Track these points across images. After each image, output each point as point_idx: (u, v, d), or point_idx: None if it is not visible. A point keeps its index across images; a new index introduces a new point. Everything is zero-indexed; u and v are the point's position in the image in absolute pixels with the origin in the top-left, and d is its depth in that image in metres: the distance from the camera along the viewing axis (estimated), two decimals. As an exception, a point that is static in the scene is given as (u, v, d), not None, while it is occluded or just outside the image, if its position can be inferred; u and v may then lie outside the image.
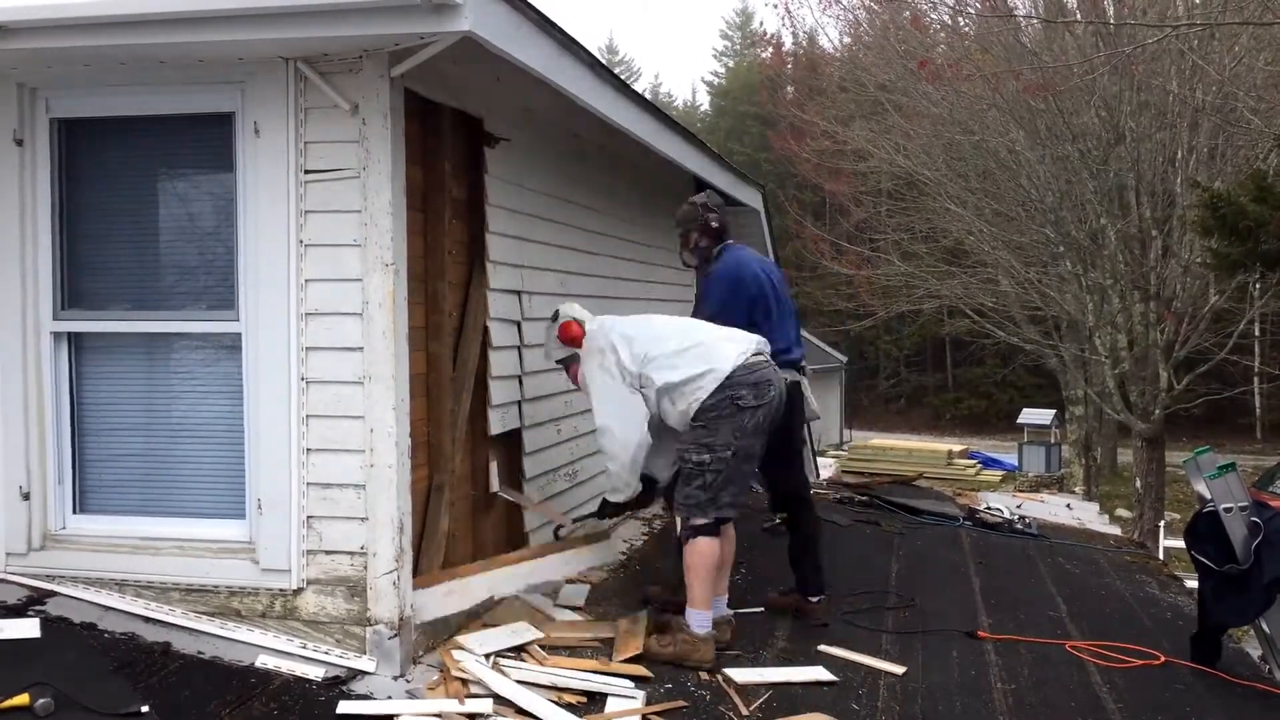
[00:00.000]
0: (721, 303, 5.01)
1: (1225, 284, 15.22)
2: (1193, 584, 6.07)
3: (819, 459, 13.54)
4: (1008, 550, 7.63)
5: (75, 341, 4.34)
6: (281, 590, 4.04)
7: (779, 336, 5.01)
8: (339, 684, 3.78)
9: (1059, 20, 15.00)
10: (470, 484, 4.92)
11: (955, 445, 20.02)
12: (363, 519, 3.98)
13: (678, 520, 4.62)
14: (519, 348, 5.34)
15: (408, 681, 3.89)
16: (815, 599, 5.08)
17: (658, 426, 4.68)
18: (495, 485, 5.06)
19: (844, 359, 37.59)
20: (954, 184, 18.79)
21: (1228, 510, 4.92)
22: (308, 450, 4.01)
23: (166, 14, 3.66)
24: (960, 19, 18.14)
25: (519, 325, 5.34)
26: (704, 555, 4.40)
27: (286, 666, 3.84)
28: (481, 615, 4.60)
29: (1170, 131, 15.55)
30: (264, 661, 3.86)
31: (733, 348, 4.52)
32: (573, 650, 4.35)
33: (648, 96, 8.09)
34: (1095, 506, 12.49)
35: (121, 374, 4.36)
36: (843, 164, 21.94)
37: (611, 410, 4.63)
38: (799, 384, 5.16)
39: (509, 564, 4.92)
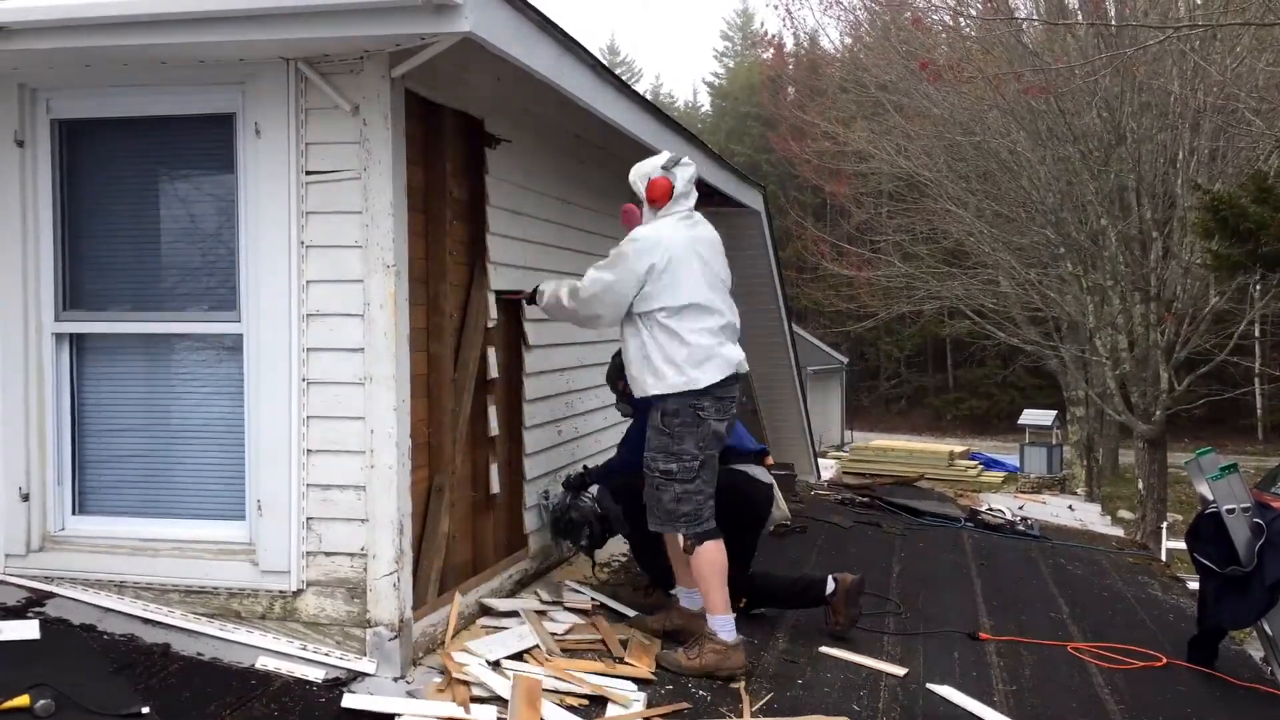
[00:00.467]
0: None
1: (1225, 285, 15.22)
2: (1195, 585, 6.07)
3: (819, 460, 13.53)
4: (1010, 551, 7.63)
5: (76, 342, 4.34)
6: (281, 592, 4.03)
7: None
8: (339, 685, 3.77)
9: (1060, 21, 15.01)
10: (471, 485, 4.92)
11: (956, 446, 19.97)
12: (363, 520, 3.97)
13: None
14: (521, 348, 5.34)
15: (408, 683, 3.88)
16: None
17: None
18: (495, 488, 5.04)
19: (845, 360, 37.61)
20: (955, 185, 18.79)
21: (1230, 512, 4.91)
22: (308, 451, 4.01)
23: (167, 14, 3.65)
24: (961, 20, 18.15)
25: (520, 325, 5.33)
26: (713, 561, 4.37)
27: (286, 668, 3.84)
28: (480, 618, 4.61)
29: (1171, 133, 15.55)
30: (264, 663, 3.85)
31: (737, 354, 4.52)
32: (574, 653, 4.34)
33: (648, 97, 8.08)
34: (1097, 508, 12.51)
35: (122, 375, 4.35)
36: (843, 165, 21.97)
37: (615, 283, 4.45)
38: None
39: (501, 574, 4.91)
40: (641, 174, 4.55)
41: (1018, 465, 22.51)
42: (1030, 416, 25.28)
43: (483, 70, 4.47)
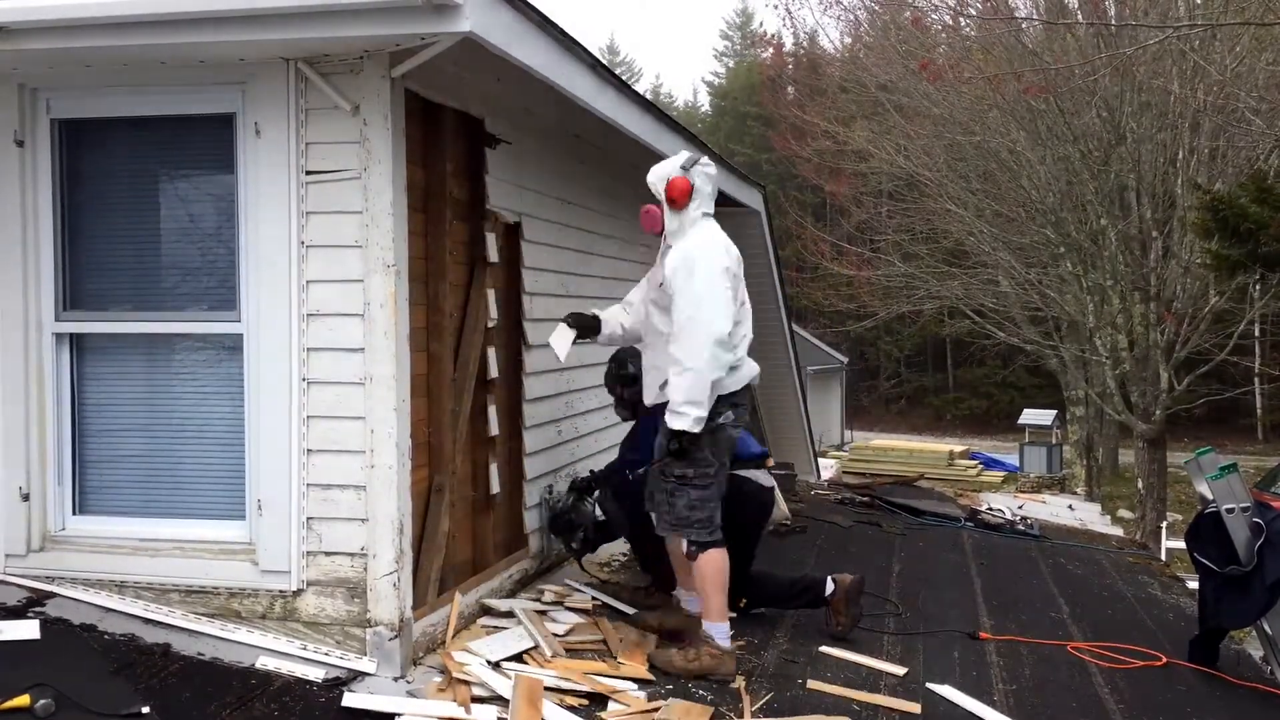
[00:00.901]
0: None
1: (1225, 285, 15.21)
2: (1195, 585, 6.07)
3: (820, 460, 13.53)
4: (1009, 551, 7.63)
5: (77, 342, 4.34)
6: (281, 591, 4.03)
7: None
8: (339, 685, 3.77)
9: (1060, 21, 15.01)
10: (471, 485, 4.92)
11: (956, 446, 19.98)
12: (363, 520, 3.97)
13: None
14: (520, 348, 5.34)
15: (408, 683, 3.88)
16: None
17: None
18: (495, 487, 5.05)
19: (844, 360, 37.59)
20: (954, 185, 18.79)
21: (1230, 511, 4.91)
22: (308, 451, 4.01)
23: (167, 15, 3.65)
24: (961, 20, 18.15)
25: (521, 325, 5.33)
26: (716, 567, 4.38)
27: (287, 668, 3.84)
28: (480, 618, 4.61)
29: (1171, 132, 15.55)
30: (264, 663, 3.85)
31: (755, 365, 4.56)
32: (574, 653, 4.34)
33: (648, 97, 8.08)
34: (1097, 507, 12.51)
35: (122, 375, 4.35)
36: (843, 164, 21.96)
37: (718, 312, 4.24)
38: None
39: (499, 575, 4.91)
40: (660, 175, 4.49)
41: (1017, 465, 22.53)
42: (1030, 416, 25.30)
43: (483, 70, 4.47)
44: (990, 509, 9.68)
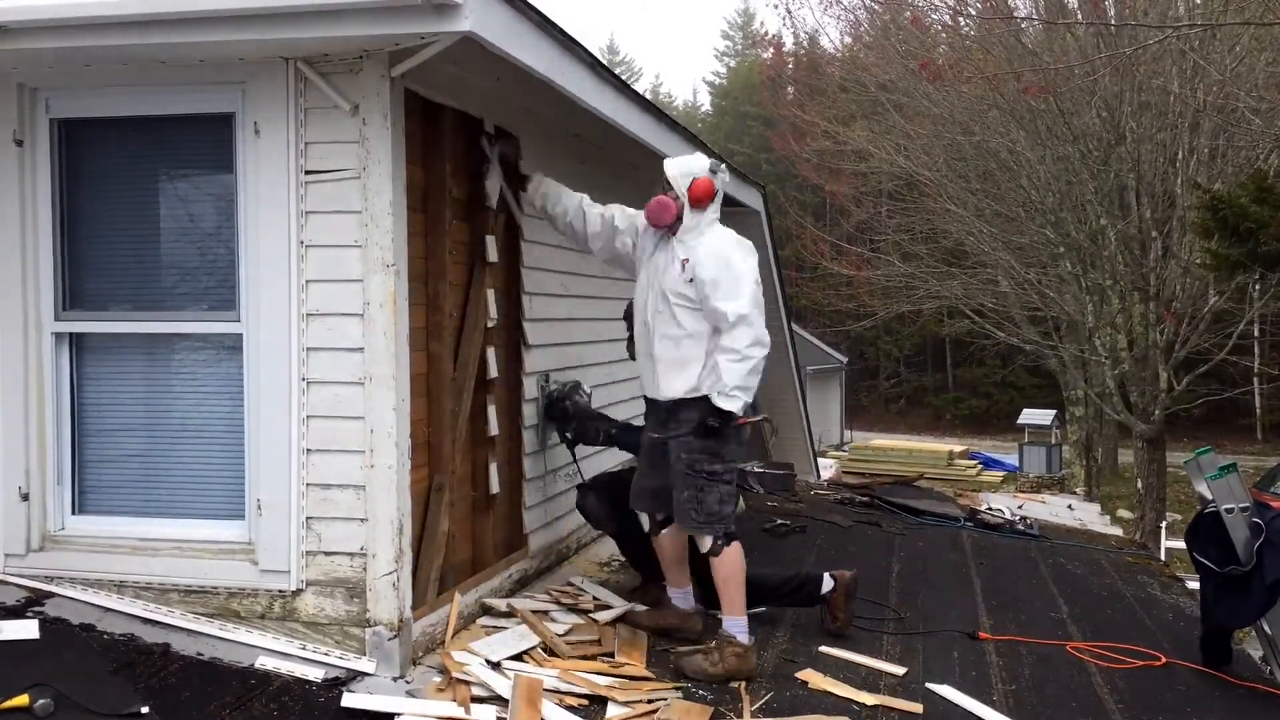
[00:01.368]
0: None
1: (1225, 285, 15.21)
2: (1194, 585, 6.07)
3: (819, 460, 13.53)
4: (1009, 551, 7.63)
5: (76, 342, 4.34)
6: (281, 591, 4.03)
7: None
8: (339, 685, 3.77)
9: (1060, 21, 15.00)
10: (470, 485, 4.92)
11: (956, 446, 20.01)
12: (362, 520, 3.97)
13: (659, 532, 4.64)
14: (520, 348, 5.33)
15: (408, 683, 3.88)
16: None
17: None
18: (495, 487, 5.05)
19: (844, 359, 37.59)
20: (954, 184, 18.79)
21: (1229, 511, 4.91)
22: (307, 451, 4.01)
23: (167, 14, 3.65)
24: (961, 19, 18.15)
25: (521, 325, 5.33)
26: (738, 563, 4.43)
27: (286, 668, 3.84)
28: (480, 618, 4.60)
29: (1171, 132, 15.55)
30: (263, 662, 3.85)
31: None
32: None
33: (648, 97, 8.06)
34: (1096, 507, 12.52)
35: (122, 375, 4.35)
36: (843, 164, 21.96)
37: (762, 308, 4.43)
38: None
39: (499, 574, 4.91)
40: (684, 171, 4.51)
41: (1017, 465, 22.56)
42: (1029, 416, 25.33)
43: (483, 70, 4.47)
44: (990, 509, 9.68)
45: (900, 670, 4.53)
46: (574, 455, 5.49)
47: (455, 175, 4.66)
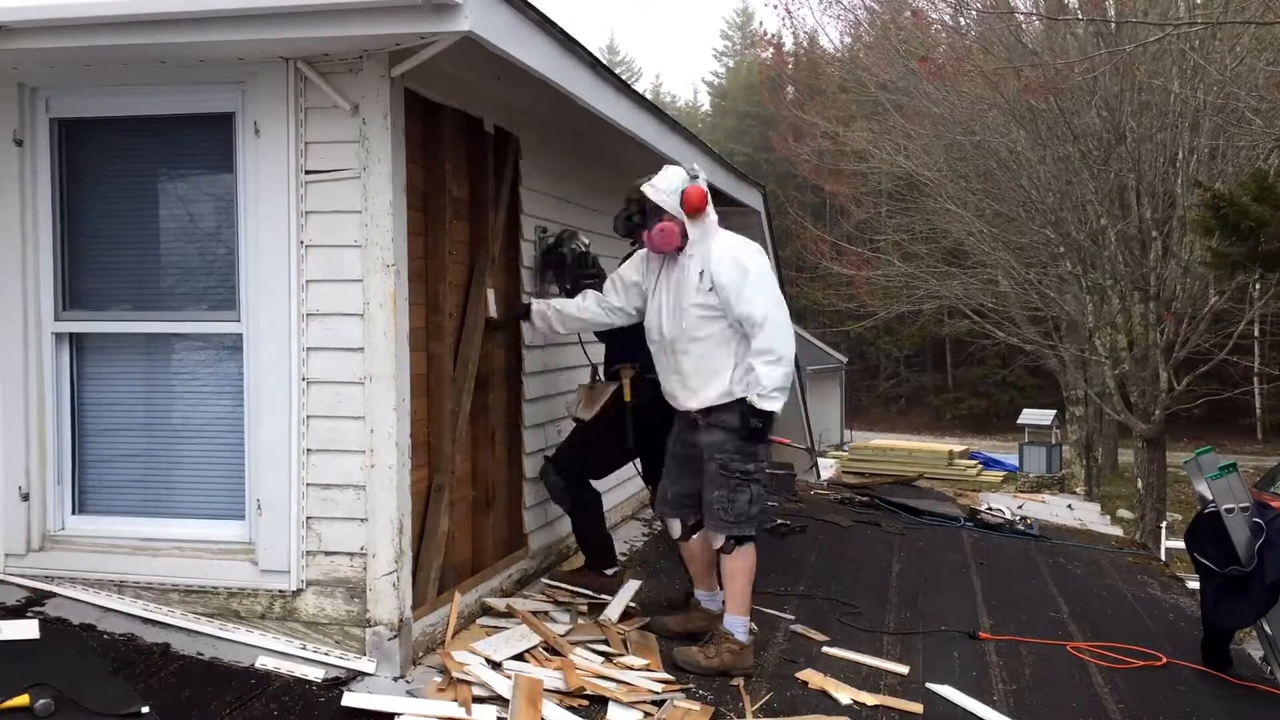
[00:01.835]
0: None
1: (1225, 284, 15.20)
2: (1194, 585, 6.07)
3: (820, 460, 13.53)
4: (1009, 551, 7.63)
5: (76, 342, 4.34)
6: (281, 591, 4.03)
7: None
8: (339, 685, 3.77)
9: (1060, 18, 15.00)
10: (470, 485, 4.91)
11: (956, 445, 19.97)
12: (362, 520, 3.97)
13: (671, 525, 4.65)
14: (520, 348, 5.33)
15: (408, 683, 3.88)
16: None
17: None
18: (495, 488, 5.05)
19: (844, 359, 37.57)
20: (954, 184, 18.78)
21: (1229, 511, 4.91)
22: (308, 451, 4.01)
23: (167, 14, 3.65)
24: (961, 18, 18.15)
25: (520, 324, 5.32)
26: (751, 563, 4.46)
27: (286, 667, 3.84)
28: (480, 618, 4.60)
29: (1171, 132, 15.54)
30: (263, 662, 3.85)
31: None
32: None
33: (648, 97, 8.04)
34: (1096, 507, 12.50)
35: (122, 374, 4.35)
36: (843, 164, 21.95)
37: (783, 314, 4.44)
38: None
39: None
40: (670, 189, 4.48)
41: (1017, 464, 22.54)
42: (1029, 416, 25.31)
43: (483, 70, 4.47)
44: (990, 509, 9.68)
45: (902, 670, 4.53)
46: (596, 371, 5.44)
47: (455, 175, 4.67)
